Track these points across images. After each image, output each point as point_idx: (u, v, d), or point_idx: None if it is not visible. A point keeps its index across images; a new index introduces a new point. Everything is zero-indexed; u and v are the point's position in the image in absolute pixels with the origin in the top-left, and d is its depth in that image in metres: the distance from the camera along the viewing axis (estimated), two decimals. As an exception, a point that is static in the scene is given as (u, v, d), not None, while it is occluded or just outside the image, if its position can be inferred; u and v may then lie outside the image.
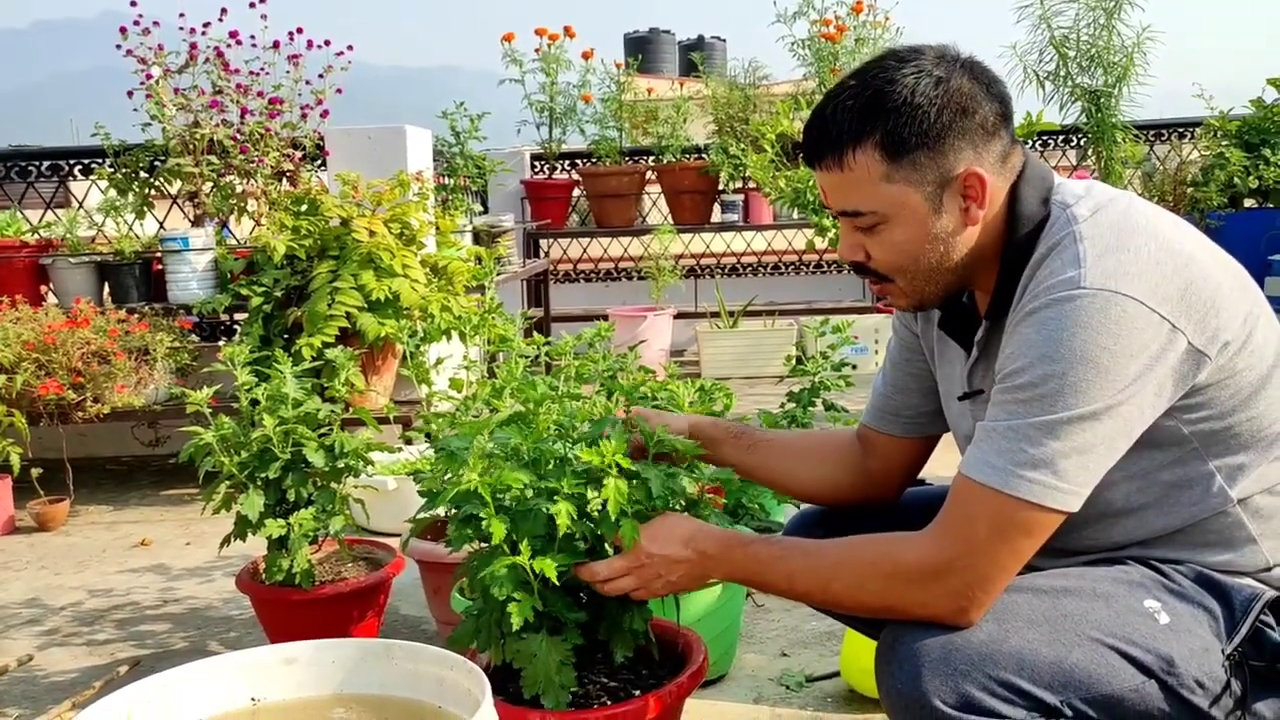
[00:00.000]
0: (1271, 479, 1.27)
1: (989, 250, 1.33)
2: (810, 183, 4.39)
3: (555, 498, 1.44)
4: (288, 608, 2.17)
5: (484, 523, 1.44)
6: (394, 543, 2.47)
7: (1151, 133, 5.86)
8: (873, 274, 1.37)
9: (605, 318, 5.87)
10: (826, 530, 1.39)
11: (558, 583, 1.40)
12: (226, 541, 2.18)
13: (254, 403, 2.17)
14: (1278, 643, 1.24)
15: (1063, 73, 5.20)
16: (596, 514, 1.46)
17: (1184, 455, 1.26)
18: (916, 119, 1.25)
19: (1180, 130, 5.83)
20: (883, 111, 1.26)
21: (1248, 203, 4.86)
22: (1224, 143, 4.83)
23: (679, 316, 6.10)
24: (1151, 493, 1.28)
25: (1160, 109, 6.09)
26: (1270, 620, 1.25)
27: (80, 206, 4.75)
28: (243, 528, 2.11)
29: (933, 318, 1.50)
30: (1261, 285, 4.06)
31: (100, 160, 4.37)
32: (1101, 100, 5.15)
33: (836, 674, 2.11)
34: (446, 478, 1.63)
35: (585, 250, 6.84)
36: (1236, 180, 4.63)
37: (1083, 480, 1.19)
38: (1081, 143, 5.66)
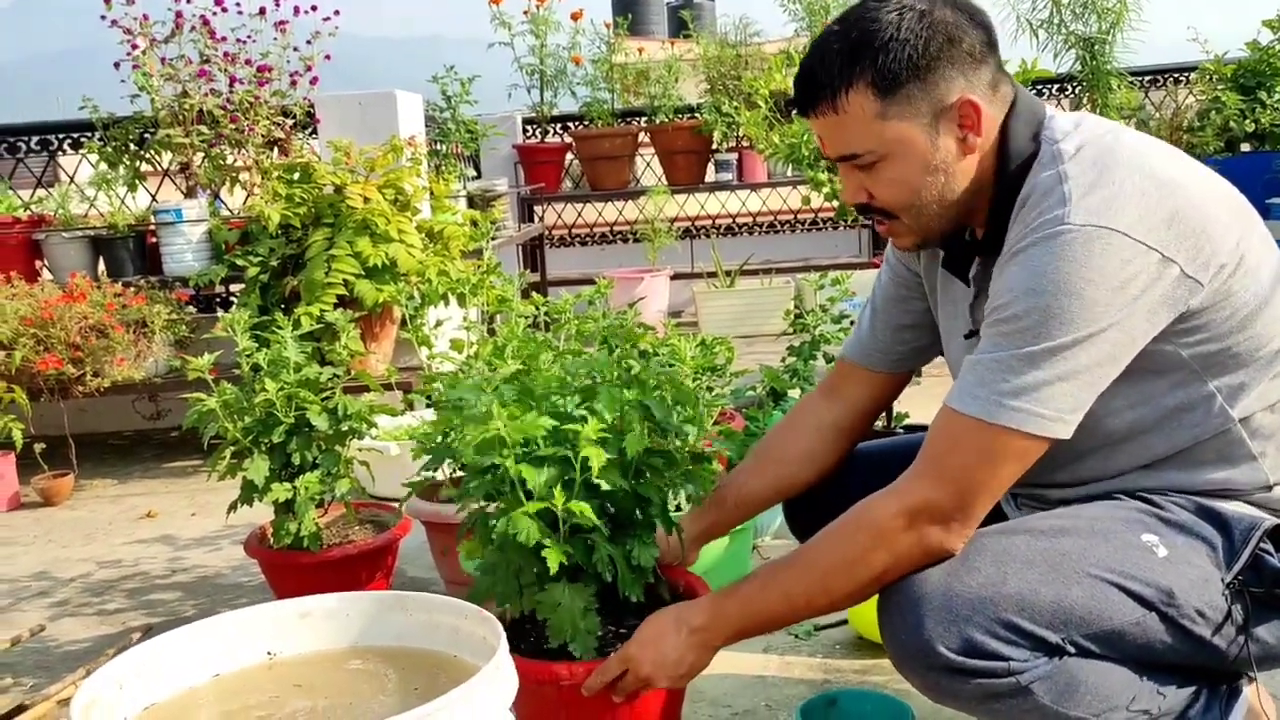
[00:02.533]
0: (1271, 396, 1.29)
1: (985, 185, 1.33)
2: (805, 137, 4.36)
3: (579, 441, 1.43)
4: (296, 570, 2.18)
5: (503, 469, 1.43)
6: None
7: (1147, 79, 5.82)
8: (878, 212, 1.37)
9: (602, 280, 5.86)
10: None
11: (597, 522, 1.40)
12: (233, 508, 2.18)
13: (255, 369, 2.16)
14: (1277, 568, 1.25)
15: (1056, 20, 5.15)
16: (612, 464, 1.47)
17: (1184, 378, 1.27)
18: (905, 53, 1.26)
19: (1175, 76, 5.80)
20: (870, 50, 1.26)
21: (1244, 147, 4.84)
22: (1219, 87, 4.80)
23: (676, 278, 6.09)
24: (1153, 418, 1.29)
25: (1157, 56, 6.05)
26: (1269, 547, 1.26)
27: (71, 182, 4.72)
28: (249, 492, 2.11)
29: (936, 257, 1.50)
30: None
31: (89, 134, 4.34)
32: (1096, 47, 5.11)
33: (844, 622, 2.12)
34: (450, 434, 1.63)
35: (580, 214, 6.81)
36: (1233, 124, 4.61)
37: (1067, 407, 1.20)
38: (1076, 90, 5.63)
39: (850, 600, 1.33)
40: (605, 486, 1.44)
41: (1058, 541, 1.25)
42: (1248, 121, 4.55)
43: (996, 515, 1.47)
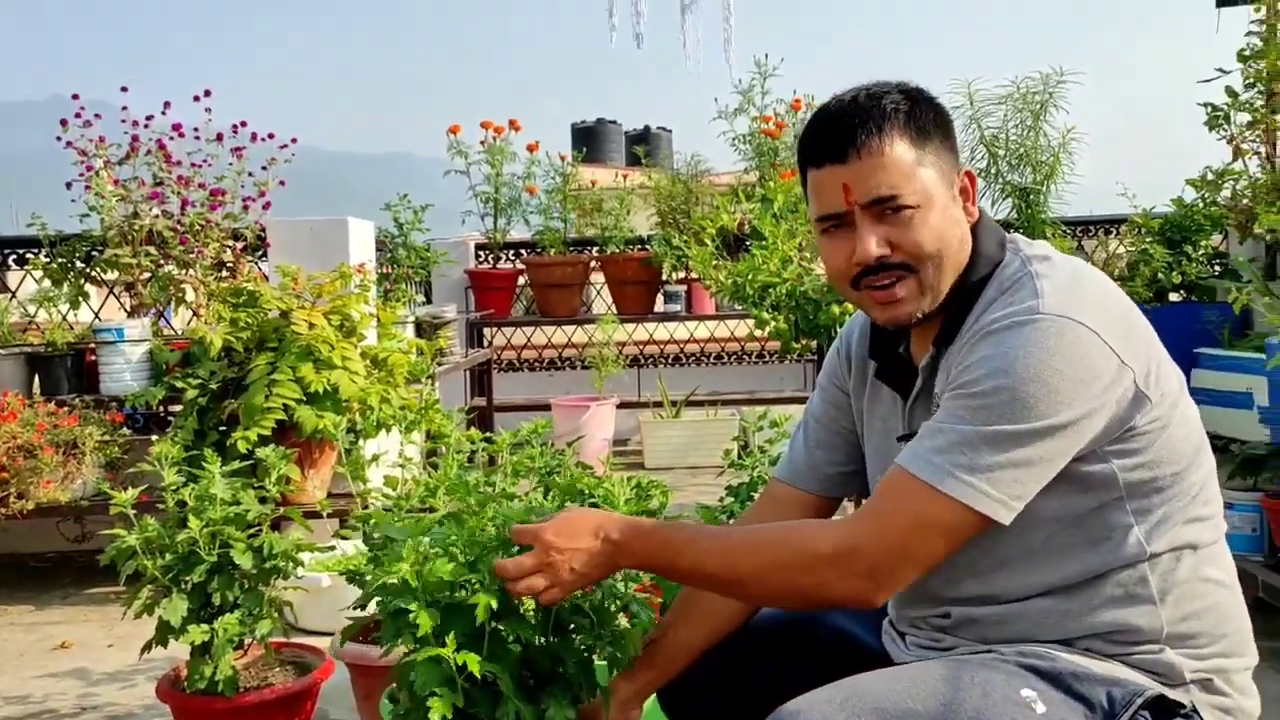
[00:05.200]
0: (1180, 540, 1.31)
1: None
2: (749, 275, 4.45)
3: (479, 590, 1.42)
4: (209, 718, 2.10)
5: (412, 615, 1.42)
6: (325, 643, 2.41)
7: (1079, 228, 6.06)
8: (897, 268, 1.35)
9: (548, 407, 5.86)
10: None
11: (479, 676, 1.37)
12: (148, 647, 2.11)
13: (181, 504, 2.12)
14: None
15: (994, 170, 5.36)
16: (530, 614, 1.46)
17: (1109, 501, 1.30)
18: (931, 111, 1.36)
19: (1106, 226, 6.04)
20: (903, 103, 1.34)
21: (1173, 297, 5.01)
22: (1148, 239, 4.99)
23: (622, 406, 6.10)
24: (1070, 535, 1.31)
25: (1091, 206, 6.31)
26: (1147, 715, 1.26)
27: (13, 296, 4.67)
28: (164, 634, 2.05)
29: (867, 373, 1.53)
30: (1188, 377, 4.17)
31: (36, 250, 4.32)
32: (1031, 197, 5.32)
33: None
34: (376, 571, 1.61)
35: (529, 339, 6.85)
36: (1161, 276, 4.77)
37: (1014, 493, 1.23)
38: (1013, 237, 5.83)
39: (752, 598, 1.38)
40: (514, 640, 1.43)
41: (937, 692, 1.24)
42: (1175, 274, 4.71)
43: (885, 659, 1.47)
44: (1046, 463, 1.24)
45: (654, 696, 1.80)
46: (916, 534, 1.25)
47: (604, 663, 1.61)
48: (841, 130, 1.33)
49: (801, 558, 1.30)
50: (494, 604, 1.39)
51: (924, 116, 1.34)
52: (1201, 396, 4.18)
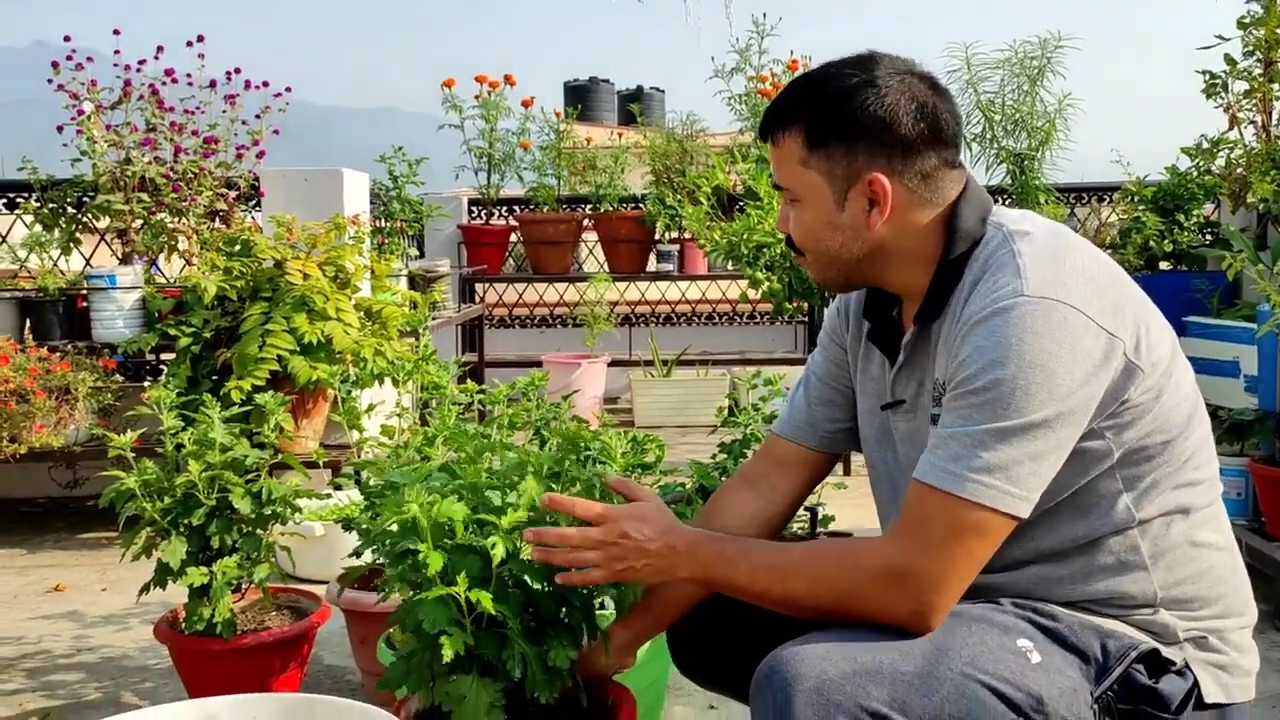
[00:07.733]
0: (1170, 505, 1.33)
1: (920, 260, 1.39)
2: (744, 235, 4.46)
3: (491, 534, 1.43)
4: (207, 658, 2.12)
5: (420, 555, 1.43)
6: (320, 590, 2.43)
7: (1072, 195, 6.06)
8: (794, 246, 1.47)
9: (540, 364, 5.87)
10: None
11: (494, 612, 1.39)
12: (146, 589, 2.13)
13: (179, 447, 2.13)
14: (1146, 685, 1.28)
15: (989, 135, 5.36)
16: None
17: (1102, 470, 1.31)
18: (838, 115, 1.36)
19: (1100, 194, 6.05)
20: (814, 102, 1.38)
21: (1164, 265, 5.03)
22: (1140, 207, 5.00)
23: (613, 364, 6.11)
24: (1063, 502, 1.32)
25: (1082, 173, 6.31)
26: (1141, 668, 1.29)
27: (3, 241, 4.64)
28: (163, 575, 2.06)
29: (862, 332, 1.55)
30: (1176, 345, 4.20)
31: (26, 194, 4.29)
32: (1025, 163, 5.32)
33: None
34: (380, 516, 1.62)
35: (521, 296, 6.84)
36: (1152, 244, 4.79)
37: (1034, 485, 1.24)
38: (1007, 203, 5.84)
39: (804, 613, 1.35)
40: (528, 581, 1.44)
41: (935, 638, 1.26)
42: (1166, 242, 4.73)
43: None
44: (1057, 451, 1.24)
45: (649, 643, 1.84)
46: (955, 546, 1.25)
47: (609, 611, 1.63)
48: (767, 118, 1.44)
49: (855, 576, 1.29)
50: (508, 547, 1.40)
51: (829, 120, 1.36)
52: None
